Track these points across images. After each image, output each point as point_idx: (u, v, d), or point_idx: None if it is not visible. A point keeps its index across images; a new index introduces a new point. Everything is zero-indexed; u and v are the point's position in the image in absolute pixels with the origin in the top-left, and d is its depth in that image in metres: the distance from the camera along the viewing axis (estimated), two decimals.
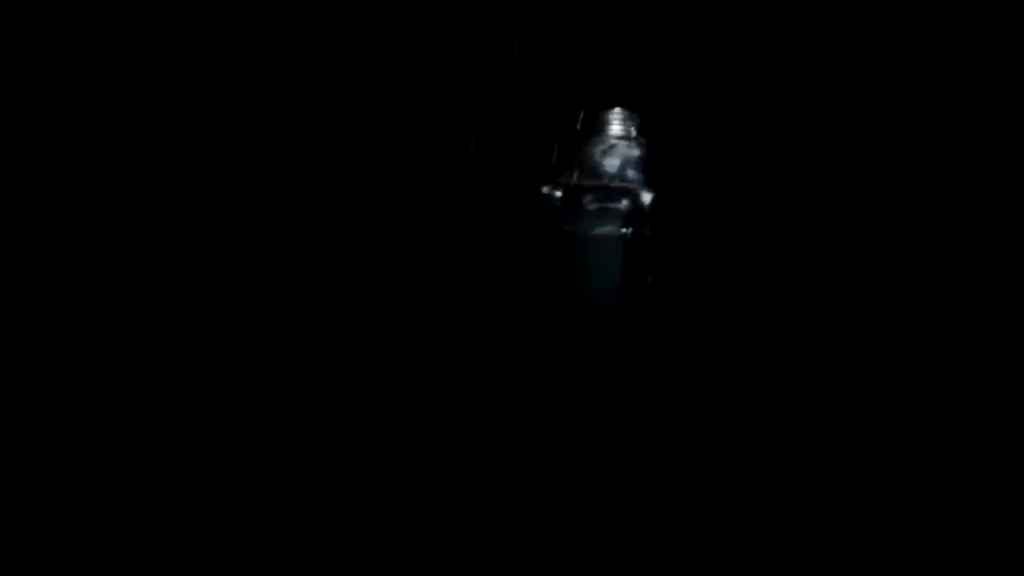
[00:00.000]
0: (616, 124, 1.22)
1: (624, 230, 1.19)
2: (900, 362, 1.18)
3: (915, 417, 1.16)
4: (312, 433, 1.16)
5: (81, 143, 1.19)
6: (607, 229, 1.19)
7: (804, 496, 1.12)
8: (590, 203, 1.20)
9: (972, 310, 1.17)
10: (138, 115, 1.20)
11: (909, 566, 1.06)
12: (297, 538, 1.08)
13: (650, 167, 1.21)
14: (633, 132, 1.22)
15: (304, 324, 1.22)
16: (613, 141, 1.21)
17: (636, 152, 1.21)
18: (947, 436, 1.14)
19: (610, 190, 1.20)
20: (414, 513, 1.10)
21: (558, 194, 1.20)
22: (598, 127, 1.22)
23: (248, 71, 1.22)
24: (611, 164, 1.20)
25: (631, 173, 1.21)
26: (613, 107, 1.22)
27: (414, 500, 1.11)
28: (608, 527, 1.09)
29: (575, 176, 1.20)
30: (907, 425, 1.16)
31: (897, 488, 1.12)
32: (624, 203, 1.20)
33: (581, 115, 1.23)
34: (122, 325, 1.19)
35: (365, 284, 1.24)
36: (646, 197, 1.20)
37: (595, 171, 1.20)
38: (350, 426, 1.17)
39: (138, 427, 1.15)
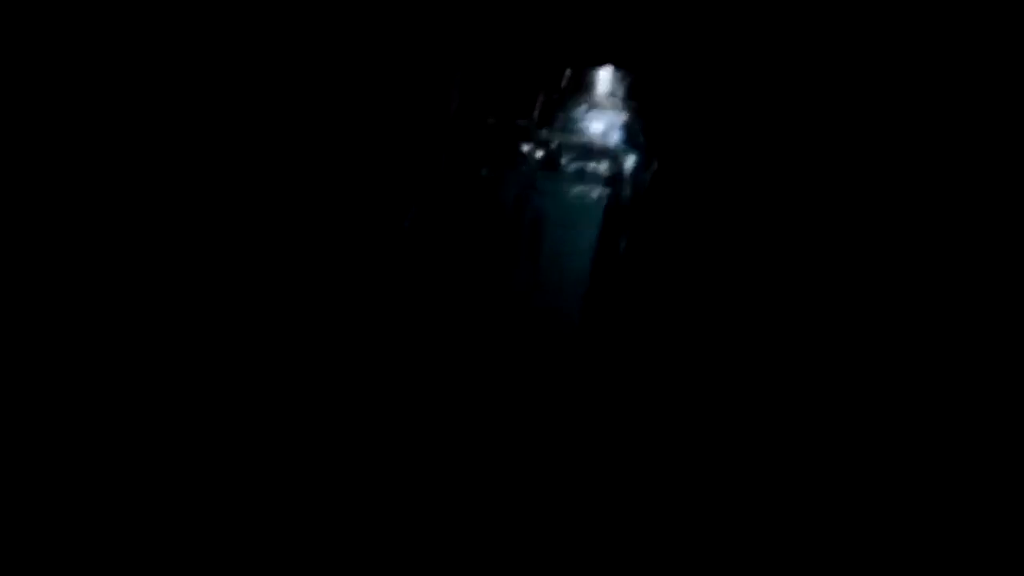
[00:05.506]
0: (603, 84, 1.19)
1: (603, 191, 1.16)
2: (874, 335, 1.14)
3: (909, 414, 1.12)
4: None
5: (53, 142, 1.17)
6: (585, 189, 1.17)
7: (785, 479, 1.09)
8: (569, 163, 1.17)
9: (964, 309, 1.12)
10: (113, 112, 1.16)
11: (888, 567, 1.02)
12: (290, 534, 1.05)
13: (635, 130, 1.18)
14: (620, 93, 1.18)
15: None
16: (599, 102, 1.18)
17: (622, 114, 1.18)
18: (940, 439, 1.10)
19: (591, 151, 1.17)
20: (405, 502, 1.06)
21: (539, 153, 1.17)
22: (584, 86, 1.18)
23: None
24: (594, 125, 1.18)
25: (614, 135, 1.18)
26: (601, 66, 1.19)
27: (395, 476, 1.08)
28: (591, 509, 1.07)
29: (557, 135, 1.18)
30: (898, 420, 1.12)
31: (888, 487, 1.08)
32: (604, 165, 1.17)
33: (568, 73, 1.19)
34: (103, 320, 1.17)
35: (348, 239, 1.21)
36: (628, 160, 1.17)
37: (577, 131, 1.17)
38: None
39: (124, 423, 1.14)
